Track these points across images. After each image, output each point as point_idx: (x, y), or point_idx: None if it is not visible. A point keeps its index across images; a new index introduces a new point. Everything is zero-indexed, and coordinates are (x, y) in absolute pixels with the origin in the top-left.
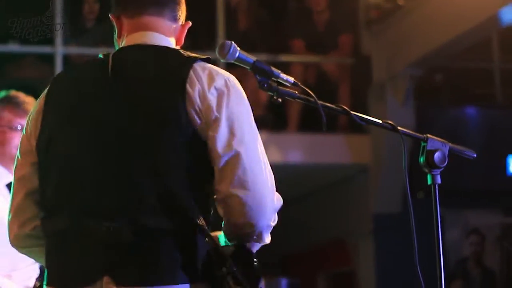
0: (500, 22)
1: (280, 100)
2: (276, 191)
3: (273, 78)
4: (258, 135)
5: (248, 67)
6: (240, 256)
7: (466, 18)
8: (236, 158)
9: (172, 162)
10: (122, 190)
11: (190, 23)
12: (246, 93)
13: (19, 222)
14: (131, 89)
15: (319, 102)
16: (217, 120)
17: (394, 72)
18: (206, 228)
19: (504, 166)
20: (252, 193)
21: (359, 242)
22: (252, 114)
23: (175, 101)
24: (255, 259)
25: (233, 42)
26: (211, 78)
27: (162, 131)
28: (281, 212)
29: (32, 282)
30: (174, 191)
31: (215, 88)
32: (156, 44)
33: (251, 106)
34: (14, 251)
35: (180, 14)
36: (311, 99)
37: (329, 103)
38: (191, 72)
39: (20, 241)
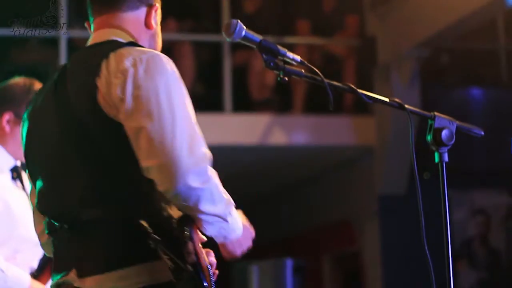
0: (506, 3)
1: (286, 79)
2: (281, 173)
3: (279, 57)
4: (177, 101)
5: (254, 46)
6: (176, 227)
7: None
8: (142, 131)
9: (100, 159)
10: (64, 193)
11: (158, 4)
12: (251, 76)
13: (37, 234)
14: (62, 101)
15: (326, 80)
16: (122, 101)
17: (399, 53)
18: (137, 209)
19: (510, 146)
20: (162, 160)
21: (365, 224)
22: (172, 83)
23: (90, 102)
24: (185, 228)
25: (239, 21)
26: (119, 61)
27: (84, 139)
28: (286, 194)
29: (36, 263)
30: (106, 184)
31: (121, 70)
32: (98, 42)
33: (257, 89)
34: (17, 234)
35: None
36: (318, 77)
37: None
38: (103, 63)
39: (45, 250)
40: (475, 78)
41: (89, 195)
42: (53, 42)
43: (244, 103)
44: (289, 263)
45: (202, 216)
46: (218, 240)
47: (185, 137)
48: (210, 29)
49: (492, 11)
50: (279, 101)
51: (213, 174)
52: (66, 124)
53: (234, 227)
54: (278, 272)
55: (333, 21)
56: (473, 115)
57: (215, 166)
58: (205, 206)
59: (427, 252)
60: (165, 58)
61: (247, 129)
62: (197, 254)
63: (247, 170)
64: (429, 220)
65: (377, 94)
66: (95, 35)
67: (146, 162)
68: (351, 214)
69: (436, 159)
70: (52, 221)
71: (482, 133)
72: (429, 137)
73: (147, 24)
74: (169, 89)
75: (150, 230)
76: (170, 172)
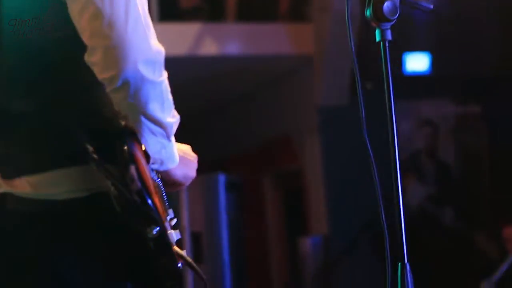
0: None
1: None
2: (214, 86)
3: None
4: None
5: None
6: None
7: None
8: (88, 7)
9: (38, 48)
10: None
11: None
12: None
13: None
14: None
15: None
16: None
17: None
18: (76, 106)
19: (457, 50)
20: (111, 41)
21: (306, 138)
22: None
23: None
24: (124, 144)
25: None
26: None
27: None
28: (221, 110)
29: None
30: (42, 74)
31: None
32: None
33: None
34: None
35: None
36: None
37: None
38: None
39: None
40: None
41: (21, 86)
42: None
43: (172, 12)
44: (221, 178)
45: (147, 122)
46: (155, 165)
47: (140, 25)
48: None
49: None
50: (210, 9)
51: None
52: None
53: (174, 152)
54: (210, 189)
55: None
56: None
57: None
58: (153, 108)
59: (374, 165)
60: None
61: (175, 39)
62: (142, 178)
63: (177, 84)
64: (374, 132)
65: None
66: None
67: (91, 41)
68: (291, 128)
69: (378, 37)
70: None
71: (431, 6)
72: (368, 12)
73: None
74: None
75: (90, 148)
76: (120, 53)
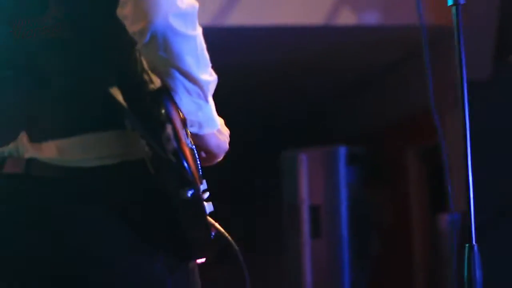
0: None
1: None
2: (351, 59)
3: None
4: None
5: None
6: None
7: None
8: None
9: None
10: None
11: None
12: None
13: None
14: None
15: None
16: None
17: None
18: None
19: None
20: None
21: (447, 113)
22: None
23: None
24: (161, 104)
25: None
26: None
27: None
28: (360, 84)
29: None
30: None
31: None
32: None
33: None
34: None
35: None
36: None
37: None
38: None
39: None
40: None
41: (54, 44)
42: None
43: None
44: (342, 150)
45: (181, 78)
46: (193, 128)
47: None
48: None
49: None
50: None
51: (201, 31)
52: None
53: (212, 115)
54: (330, 161)
55: None
56: None
57: (275, 48)
58: (187, 63)
59: None
60: None
61: (311, 8)
62: (177, 138)
63: (312, 55)
64: None
65: None
66: None
67: None
68: (431, 104)
69: (450, 1)
70: None
71: None
72: None
73: None
74: None
75: (124, 103)
76: (149, 4)
